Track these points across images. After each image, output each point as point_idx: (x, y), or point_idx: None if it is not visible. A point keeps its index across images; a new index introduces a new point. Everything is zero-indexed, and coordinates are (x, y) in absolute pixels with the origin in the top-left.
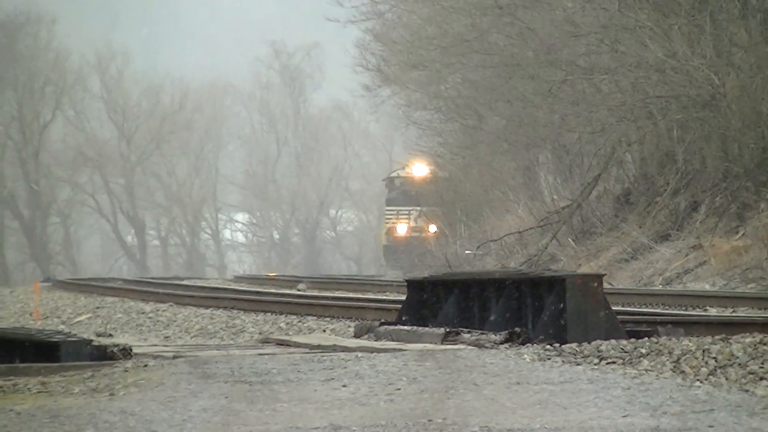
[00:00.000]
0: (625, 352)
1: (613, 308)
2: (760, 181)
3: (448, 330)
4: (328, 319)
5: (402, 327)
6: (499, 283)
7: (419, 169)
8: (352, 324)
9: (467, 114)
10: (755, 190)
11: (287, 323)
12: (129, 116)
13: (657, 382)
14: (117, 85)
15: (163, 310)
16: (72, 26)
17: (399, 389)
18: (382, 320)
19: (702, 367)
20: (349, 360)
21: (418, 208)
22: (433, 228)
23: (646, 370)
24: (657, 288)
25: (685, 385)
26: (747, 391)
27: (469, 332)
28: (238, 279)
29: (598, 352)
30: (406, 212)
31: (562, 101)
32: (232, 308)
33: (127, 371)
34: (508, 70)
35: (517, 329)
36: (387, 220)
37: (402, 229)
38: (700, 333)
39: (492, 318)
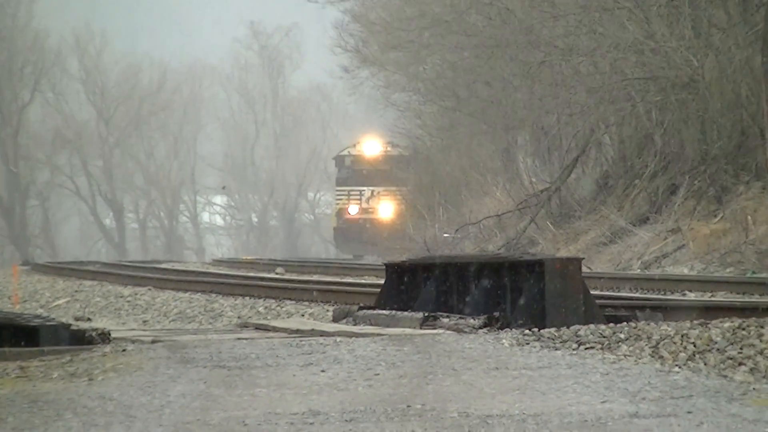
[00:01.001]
0: (604, 337)
1: (592, 292)
2: (738, 164)
3: (426, 314)
4: (306, 303)
5: (381, 311)
6: (478, 267)
7: (371, 147)
8: (331, 308)
9: (446, 95)
10: (734, 174)
11: (266, 307)
12: (107, 97)
13: (636, 368)
14: (95, 66)
15: (142, 294)
16: (51, 6)
17: (378, 374)
18: (361, 304)
19: (681, 352)
20: (327, 345)
21: (371, 188)
22: (387, 209)
23: (625, 356)
24: (635, 272)
25: (663, 370)
26: (725, 376)
27: (447, 317)
28: (217, 262)
29: (577, 337)
30: (358, 192)
31: (540, 83)
32: (211, 292)
33: (105, 356)
34: (487, 52)
35: (496, 314)
36: (337, 201)
37: (353, 210)
38: (679, 318)
39: (471, 302)
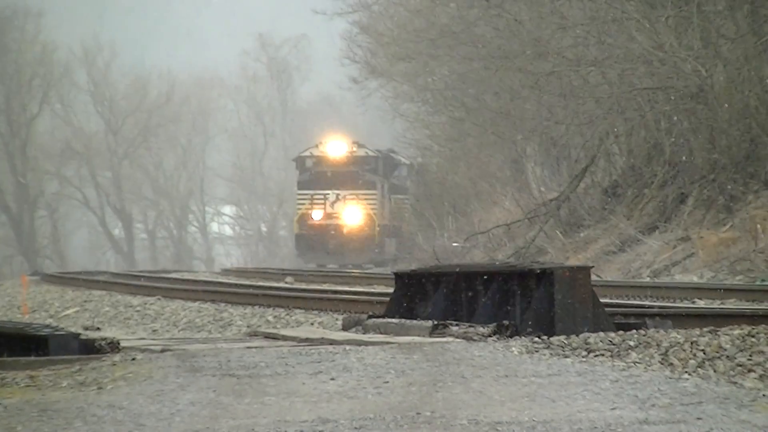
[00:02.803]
0: (614, 344)
1: (601, 300)
2: (747, 173)
3: (436, 323)
4: (315, 312)
5: (390, 320)
6: (487, 275)
7: (335, 147)
8: (340, 317)
9: (454, 106)
10: (743, 182)
11: (275, 316)
12: (116, 109)
13: (645, 375)
14: (104, 78)
15: (151, 304)
16: (59, 19)
17: (387, 382)
18: (370, 313)
19: (690, 359)
20: (337, 353)
21: (336, 191)
22: (354, 215)
23: (635, 363)
24: (645, 280)
25: (673, 377)
26: (735, 383)
27: (457, 325)
28: (226, 272)
29: (587, 344)
30: (321, 196)
31: (549, 93)
32: (220, 301)
33: (115, 365)
34: (496, 63)
35: (505, 322)
36: (299, 206)
37: (316, 215)
38: (689, 325)
39: (480, 310)
